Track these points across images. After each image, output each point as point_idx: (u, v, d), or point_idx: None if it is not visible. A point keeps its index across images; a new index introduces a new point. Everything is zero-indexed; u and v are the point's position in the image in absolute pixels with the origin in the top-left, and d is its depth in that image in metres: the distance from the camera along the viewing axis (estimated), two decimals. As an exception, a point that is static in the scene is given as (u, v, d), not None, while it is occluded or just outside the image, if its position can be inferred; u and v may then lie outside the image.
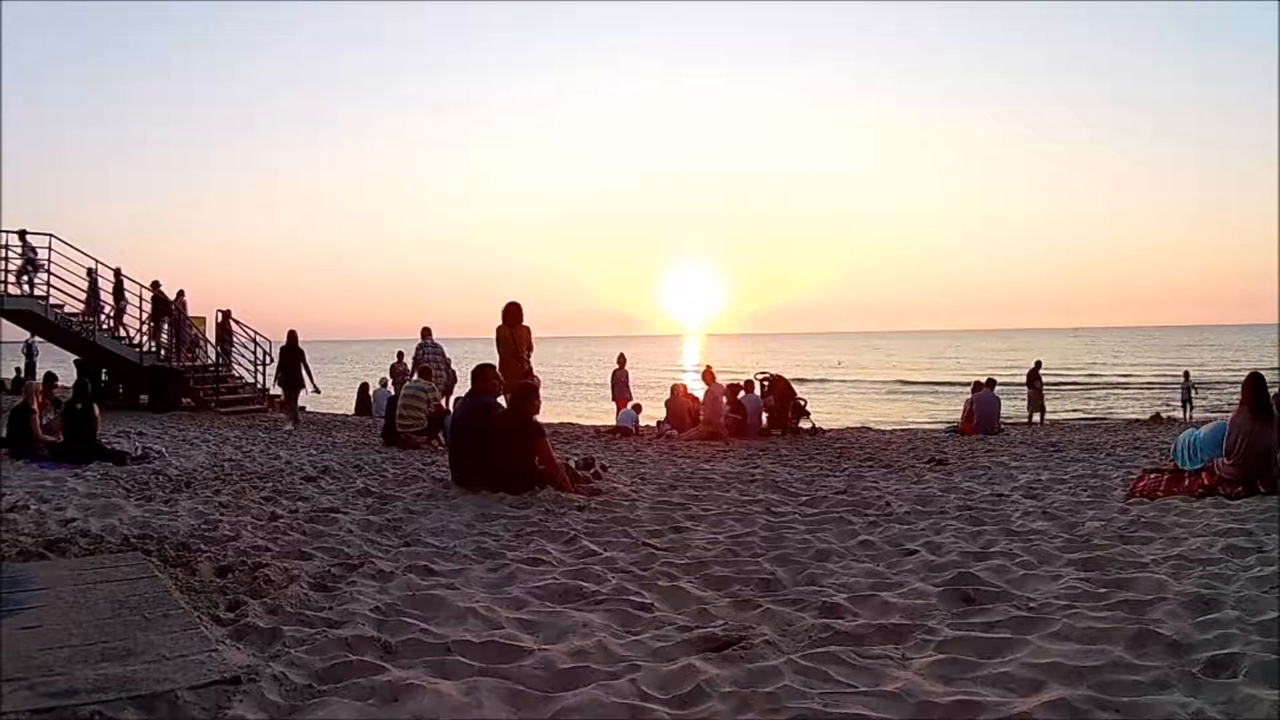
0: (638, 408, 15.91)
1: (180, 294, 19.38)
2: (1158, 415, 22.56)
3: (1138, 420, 21.75)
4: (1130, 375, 49.68)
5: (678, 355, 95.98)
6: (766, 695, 2.65)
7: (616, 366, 17.47)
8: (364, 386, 21.53)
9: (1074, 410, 30.34)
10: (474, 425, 7.03)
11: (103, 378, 18.46)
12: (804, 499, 6.71)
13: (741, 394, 14.48)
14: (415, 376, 13.08)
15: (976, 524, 5.49)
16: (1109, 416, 26.45)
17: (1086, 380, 45.88)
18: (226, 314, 19.49)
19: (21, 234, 17.39)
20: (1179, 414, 23.02)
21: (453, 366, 19.35)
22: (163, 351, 18.88)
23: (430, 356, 16.07)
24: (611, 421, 16.16)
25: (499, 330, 9.55)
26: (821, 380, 47.54)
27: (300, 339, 15.95)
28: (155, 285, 18.70)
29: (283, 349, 16.31)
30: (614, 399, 17.27)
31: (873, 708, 2.57)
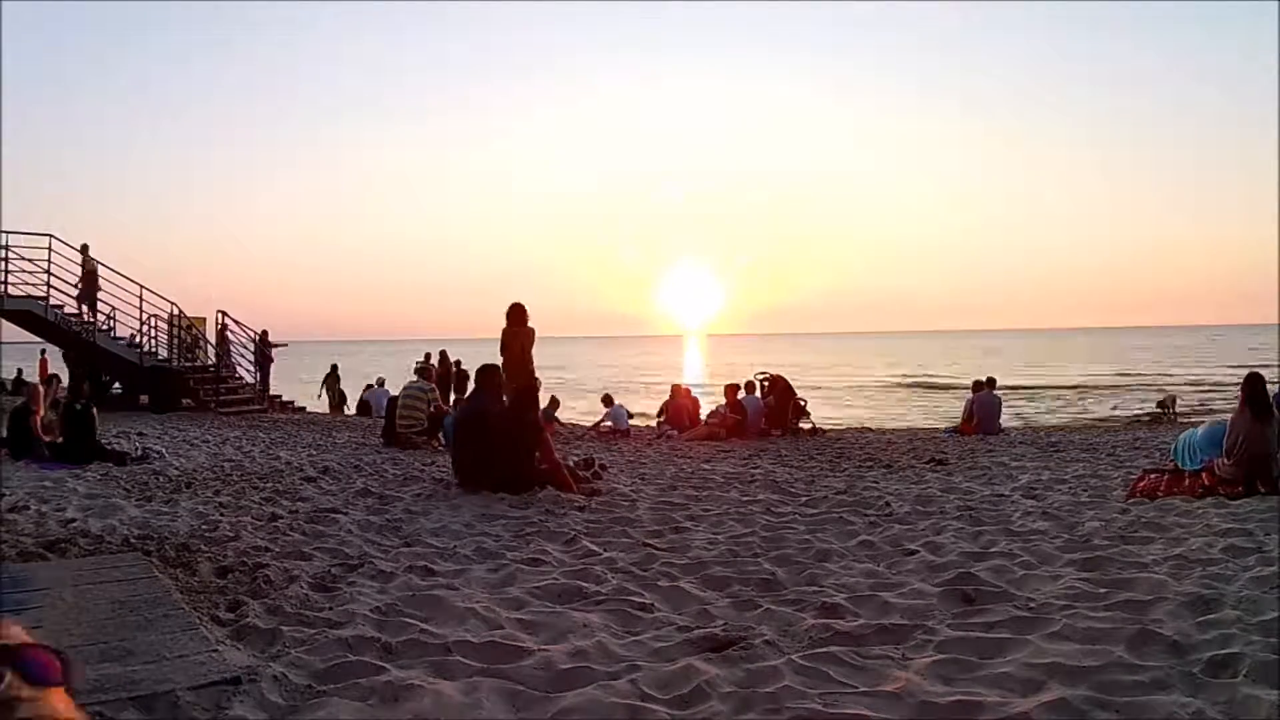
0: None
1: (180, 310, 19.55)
2: (1158, 416, 22.51)
3: (1138, 420, 21.73)
4: (1131, 374, 49.63)
5: (678, 355, 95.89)
6: (766, 695, 2.65)
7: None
8: (369, 387, 21.55)
9: (1077, 411, 30.29)
10: (476, 426, 7.04)
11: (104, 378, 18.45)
12: (804, 499, 6.71)
13: (741, 394, 14.46)
14: (415, 377, 13.09)
15: (976, 524, 5.49)
16: (1110, 416, 26.43)
17: (1086, 381, 45.83)
18: (240, 324, 19.76)
19: None
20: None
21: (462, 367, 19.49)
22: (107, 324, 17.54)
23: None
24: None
25: (504, 333, 9.50)
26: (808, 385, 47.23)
27: (303, 339, 16.58)
28: (84, 249, 17.28)
29: (255, 349, 18.32)
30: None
31: (873, 708, 2.57)
